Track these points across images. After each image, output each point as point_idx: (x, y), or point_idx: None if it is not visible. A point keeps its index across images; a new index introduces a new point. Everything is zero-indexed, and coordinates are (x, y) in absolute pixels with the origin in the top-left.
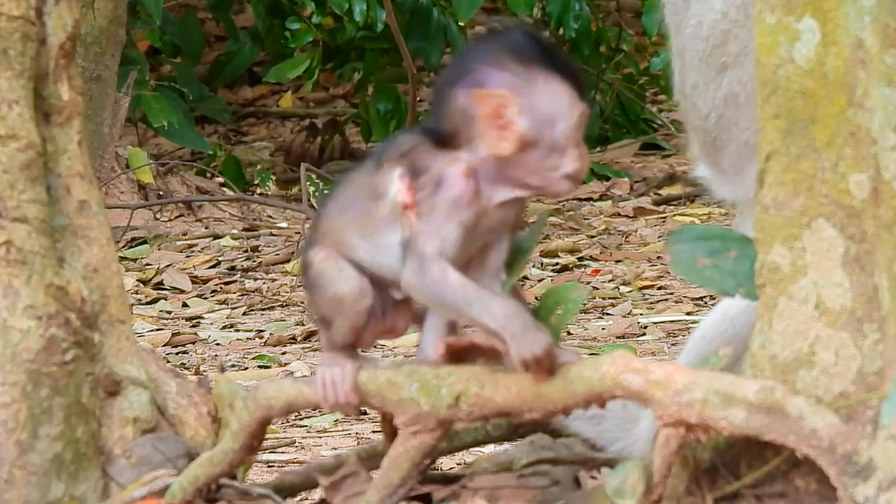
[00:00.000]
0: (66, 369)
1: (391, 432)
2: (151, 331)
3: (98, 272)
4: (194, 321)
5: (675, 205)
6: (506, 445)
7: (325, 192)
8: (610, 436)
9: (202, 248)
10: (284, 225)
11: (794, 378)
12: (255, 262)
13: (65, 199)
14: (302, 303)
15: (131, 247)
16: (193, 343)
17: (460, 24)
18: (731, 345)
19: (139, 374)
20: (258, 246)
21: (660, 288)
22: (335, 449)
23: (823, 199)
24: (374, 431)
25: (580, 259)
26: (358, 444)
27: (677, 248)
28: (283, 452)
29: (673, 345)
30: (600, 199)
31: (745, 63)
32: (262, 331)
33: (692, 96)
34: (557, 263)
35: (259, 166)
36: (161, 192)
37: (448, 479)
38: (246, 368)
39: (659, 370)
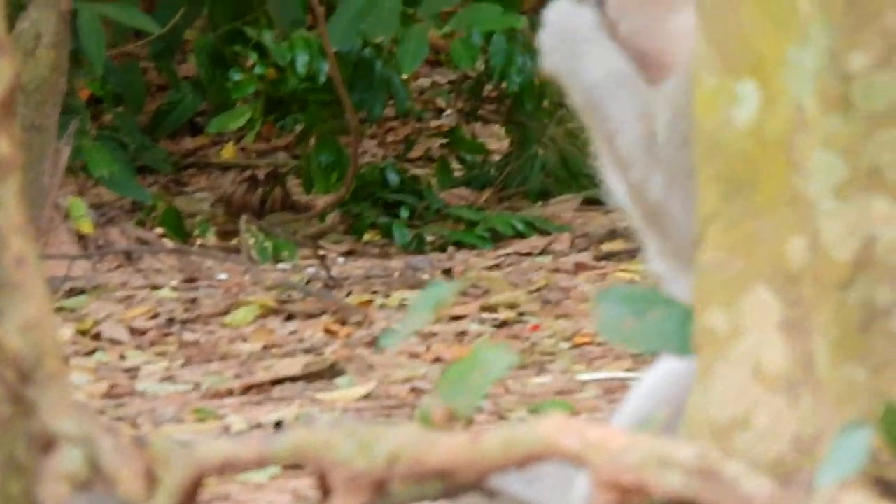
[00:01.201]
0: (1, 425)
1: (327, 490)
2: (89, 382)
3: (34, 327)
4: (132, 373)
5: (616, 260)
6: None
7: (265, 245)
8: (547, 497)
9: (141, 300)
10: (224, 276)
11: (731, 441)
12: (194, 313)
13: (2, 253)
14: (241, 355)
15: (70, 297)
16: (131, 395)
17: (404, 76)
18: (669, 405)
19: (74, 430)
20: (197, 298)
21: (599, 344)
22: None
23: (762, 262)
24: (311, 488)
25: (520, 314)
26: (294, 500)
27: (603, 308)
28: None
29: (612, 402)
30: (541, 253)
31: None
32: (199, 383)
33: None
34: (497, 318)
35: (199, 217)
36: (100, 243)
37: None
38: (183, 422)
39: (595, 432)
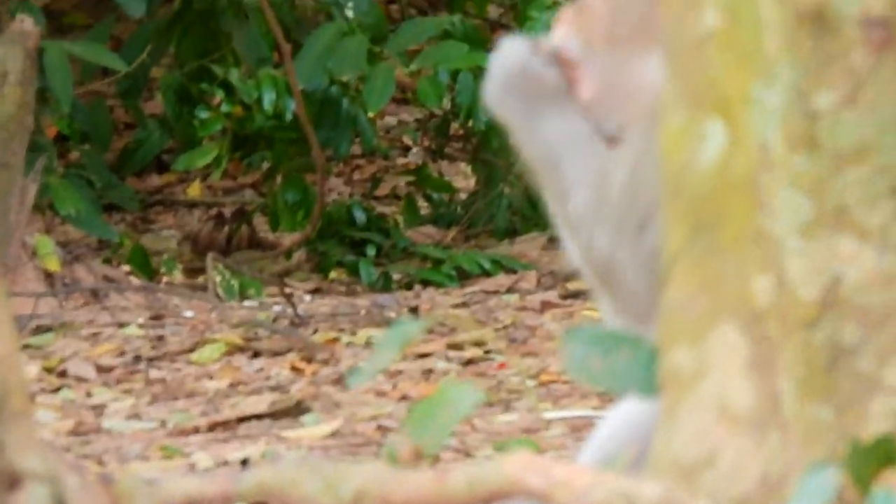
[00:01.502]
0: None
1: None
2: (55, 420)
3: (0, 365)
4: (98, 410)
5: (583, 299)
6: None
7: (232, 282)
8: None
9: (107, 337)
10: (190, 314)
11: (697, 481)
12: (160, 351)
13: None
14: (207, 393)
15: (36, 335)
16: (97, 432)
17: (370, 114)
18: (635, 443)
19: (40, 467)
20: (164, 335)
21: (565, 382)
22: None
23: (727, 301)
24: None
25: (486, 352)
26: None
27: (570, 348)
28: None
29: (578, 440)
30: (507, 292)
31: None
32: (165, 421)
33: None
34: (463, 357)
35: (166, 255)
36: (67, 281)
37: None
38: (149, 459)
39: (561, 471)
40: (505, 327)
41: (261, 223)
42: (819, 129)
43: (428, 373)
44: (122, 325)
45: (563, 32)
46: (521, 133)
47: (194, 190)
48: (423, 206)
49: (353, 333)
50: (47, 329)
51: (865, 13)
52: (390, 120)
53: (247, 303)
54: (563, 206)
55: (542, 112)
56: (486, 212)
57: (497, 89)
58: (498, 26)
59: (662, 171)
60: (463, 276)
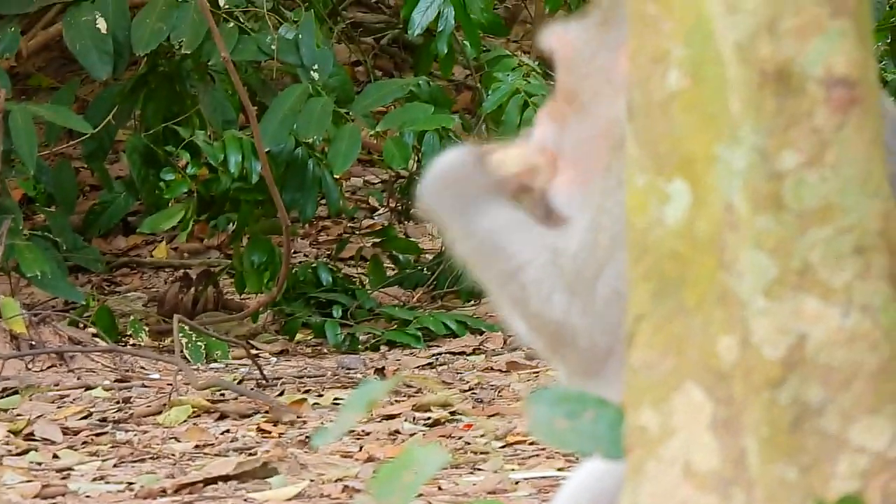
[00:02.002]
0: None
1: None
2: (21, 482)
3: None
4: (65, 473)
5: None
6: None
7: (198, 344)
8: None
9: (74, 399)
10: (157, 376)
11: None
12: (126, 413)
13: None
14: (174, 455)
15: (2, 397)
16: (63, 495)
17: (336, 176)
18: (601, 502)
19: None
20: (130, 397)
21: (532, 443)
22: None
23: (692, 361)
24: None
25: (453, 413)
26: None
27: (535, 410)
28: None
29: (544, 501)
30: (473, 353)
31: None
32: (132, 483)
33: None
34: (430, 418)
35: (132, 317)
36: (33, 343)
37: None
38: None
39: None
40: (471, 388)
41: (227, 285)
42: (783, 190)
43: (394, 434)
44: (88, 388)
45: (542, 125)
46: (458, 227)
47: (160, 252)
48: (389, 268)
49: (320, 395)
50: (13, 391)
51: (829, 73)
52: (356, 181)
53: (213, 365)
54: (509, 286)
55: (479, 206)
56: (452, 273)
57: (434, 189)
58: (463, 87)
59: (627, 231)
60: (429, 337)
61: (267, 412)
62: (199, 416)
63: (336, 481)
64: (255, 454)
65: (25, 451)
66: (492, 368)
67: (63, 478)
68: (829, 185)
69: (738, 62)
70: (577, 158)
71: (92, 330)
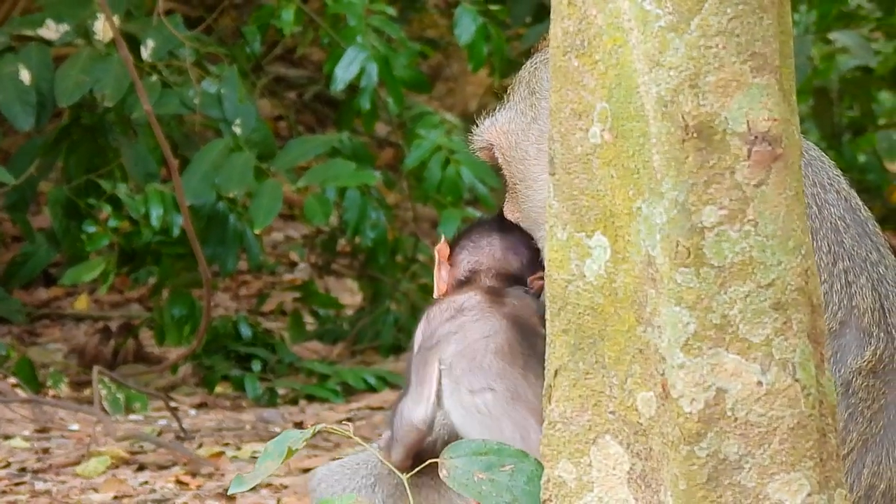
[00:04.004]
0: None
1: None
2: None
3: None
4: None
5: None
6: None
7: (117, 396)
8: None
9: None
10: (76, 427)
11: None
12: (46, 463)
13: None
14: None
15: None
16: None
17: (257, 230)
18: None
19: None
20: (49, 448)
21: None
22: None
23: (610, 415)
24: None
25: None
26: None
27: (453, 462)
28: None
29: None
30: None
31: None
32: None
33: None
34: None
35: (52, 368)
36: None
37: None
38: None
39: None
40: None
41: (147, 337)
42: (704, 245)
43: None
44: (7, 437)
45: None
46: None
47: (81, 303)
48: (310, 322)
49: (238, 448)
50: None
51: (751, 129)
52: (277, 236)
53: (132, 416)
54: None
55: None
56: (372, 328)
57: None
58: (386, 144)
59: (547, 284)
60: (348, 392)
61: (185, 464)
62: (117, 467)
63: None
64: None
65: None
66: None
67: None
68: (750, 240)
69: (661, 117)
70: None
71: (12, 380)
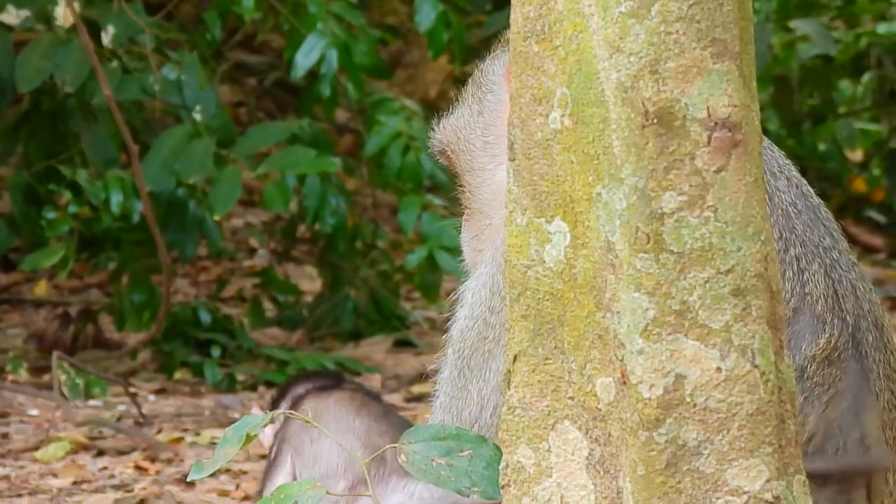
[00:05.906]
0: None
1: None
2: None
3: None
4: None
5: (427, 402)
6: None
7: (77, 381)
8: None
9: None
10: (35, 412)
11: None
12: (4, 448)
13: None
14: (51, 490)
15: None
16: None
17: (216, 217)
18: None
19: None
20: (8, 433)
21: None
22: None
23: (569, 401)
24: None
25: None
26: None
27: (412, 448)
28: None
29: None
30: None
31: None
32: None
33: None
34: None
35: (11, 353)
36: None
37: None
38: None
39: None
40: None
41: (107, 323)
42: (663, 231)
43: None
44: None
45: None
46: None
47: (41, 289)
48: (269, 308)
49: (198, 433)
50: None
51: (711, 115)
52: (237, 222)
53: (92, 402)
54: None
55: None
56: (332, 314)
57: None
58: (346, 130)
59: (507, 269)
60: None
61: (145, 450)
62: (76, 452)
63: None
64: (133, 491)
65: None
66: None
67: None
68: (710, 226)
69: (621, 103)
70: (475, 240)
71: None
